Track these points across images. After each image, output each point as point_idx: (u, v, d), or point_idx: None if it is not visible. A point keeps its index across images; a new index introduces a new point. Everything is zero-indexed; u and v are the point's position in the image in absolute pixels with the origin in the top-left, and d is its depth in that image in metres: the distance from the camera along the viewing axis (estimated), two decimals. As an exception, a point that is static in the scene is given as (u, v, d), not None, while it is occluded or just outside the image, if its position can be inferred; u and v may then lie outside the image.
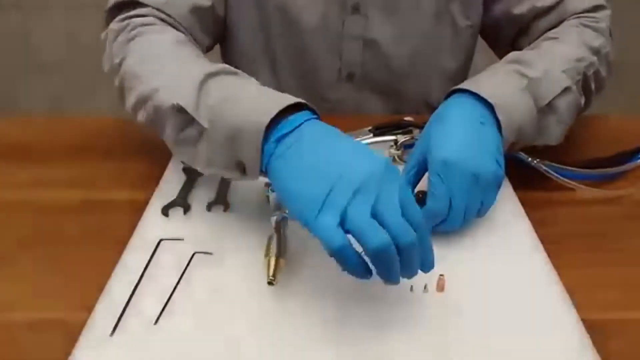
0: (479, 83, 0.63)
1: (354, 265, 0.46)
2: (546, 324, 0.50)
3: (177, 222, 0.61)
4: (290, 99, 0.53)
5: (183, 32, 0.70)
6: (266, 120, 0.50)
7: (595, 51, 0.71)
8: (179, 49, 0.65)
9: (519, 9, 0.80)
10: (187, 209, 0.62)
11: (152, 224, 0.60)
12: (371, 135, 0.68)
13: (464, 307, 0.51)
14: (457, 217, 0.57)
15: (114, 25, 0.69)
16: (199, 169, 0.57)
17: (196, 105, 0.55)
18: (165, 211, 0.62)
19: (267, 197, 0.60)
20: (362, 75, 0.84)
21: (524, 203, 0.64)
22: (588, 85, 0.70)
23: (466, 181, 0.56)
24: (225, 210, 0.62)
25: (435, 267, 0.49)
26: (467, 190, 0.56)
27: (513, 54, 0.70)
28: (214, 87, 0.56)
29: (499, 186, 0.59)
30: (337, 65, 0.83)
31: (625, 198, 0.67)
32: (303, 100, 0.54)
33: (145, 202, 0.63)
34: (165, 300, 0.51)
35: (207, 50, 0.81)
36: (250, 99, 0.54)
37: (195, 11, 0.73)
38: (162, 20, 0.70)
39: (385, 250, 0.45)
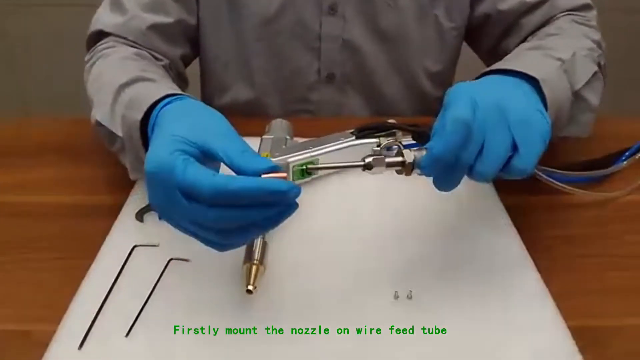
0: (513, 62, 0.58)
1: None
2: (533, 332, 0.48)
3: (151, 228, 0.58)
4: (162, 93, 0.54)
5: (141, 49, 0.73)
6: (140, 115, 0.53)
7: (598, 44, 0.69)
8: (121, 64, 0.67)
9: (506, 4, 0.78)
10: (162, 213, 0.60)
11: (126, 230, 0.58)
12: (353, 137, 0.66)
13: (448, 316, 0.49)
14: (473, 150, 0.45)
15: (86, 57, 0.74)
16: (131, 177, 0.60)
17: (111, 117, 0.59)
18: (139, 216, 0.59)
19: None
20: (342, 76, 0.83)
21: (508, 207, 0.62)
22: (602, 75, 0.67)
23: (489, 112, 0.46)
24: (202, 215, 0.60)
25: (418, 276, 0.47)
26: (488, 121, 0.46)
27: (530, 43, 0.67)
28: (123, 97, 0.59)
29: (542, 135, 0.48)
30: (315, 65, 0.82)
31: (612, 200, 0.66)
32: (175, 92, 0.55)
33: (121, 207, 0.61)
34: (138, 311, 0.49)
35: (188, 59, 0.83)
36: (143, 100, 0.55)
37: (155, 28, 0.75)
38: (122, 43, 0.73)
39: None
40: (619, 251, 0.59)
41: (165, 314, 0.49)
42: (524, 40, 0.75)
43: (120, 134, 0.57)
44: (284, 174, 0.42)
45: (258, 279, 0.49)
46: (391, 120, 0.71)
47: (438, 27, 0.81)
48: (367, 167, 0.48)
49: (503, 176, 0.49)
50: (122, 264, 0.53)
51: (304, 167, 0.63)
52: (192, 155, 0.43)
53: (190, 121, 0.47)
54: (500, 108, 0.47)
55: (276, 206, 0.42)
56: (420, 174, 0.48)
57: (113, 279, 0.52)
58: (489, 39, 0.83)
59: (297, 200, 0.43)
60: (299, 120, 0.73)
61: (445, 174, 0.47)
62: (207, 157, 0.44)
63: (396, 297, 0.50)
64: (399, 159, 0.48)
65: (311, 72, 0.82)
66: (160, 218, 0.46)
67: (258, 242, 0.51)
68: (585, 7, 0.77)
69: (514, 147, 0.47)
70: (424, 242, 0.57)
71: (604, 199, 0.66)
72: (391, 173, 0.49)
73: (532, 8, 0.77)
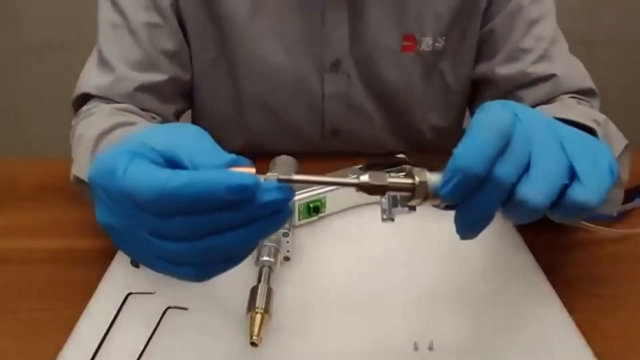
0: (551, 111, 0.51)
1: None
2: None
3: (147, 274, 0.52)
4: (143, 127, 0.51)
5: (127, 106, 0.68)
6: None
7: None
8: (102, 118, 0.62)
9: (505, 69, 0.73)
10: (159, 258, 0.56)
11: (120, 276, 0.54)
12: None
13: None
14: (514, 164, 0.35)
15: (72, 121, 0.69)
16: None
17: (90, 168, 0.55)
18: (134, 261, 0.55)
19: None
20: (348, 132, 0.79)
21: (531, 247, 0.59)
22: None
23: (535, 127, 0.36)
24: (202, 258, 0.56)
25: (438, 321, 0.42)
26: (534, 135, 0.36)
27: (557, 102, 0.63)
28: (101, 145, 0.55)
29: (609, 162, 0.37)
30: (319, 122, 0.79)
31: (634, 237, 0.62)
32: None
33: (115, 252, 0.57)
34: (133, 365, 0.45)
35: (181, 112, 0.80)
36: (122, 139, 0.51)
37: (145, 88, 0.69)
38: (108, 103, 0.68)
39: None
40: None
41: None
42: None
43: None
44: (252, 169, 0.33)
45: (263, 329, 0.45)
46: (400, 155, 0.68)
47: (443, 83, 0.78)
48: (363, 187, 0.36)
49: (554, 214, 0.37)
50: (115, 313, 0.50)
51: (310, 204, 0.60)
52: (152, 161, 0.34)
53: (158, 131, 0.37)
54: (550, 127, 0.37)
55: (246, 208, 0.32)
56: (436, 206, 0.37)
57: (105, 331, 0.48)
58: (480, 103, 0.79)
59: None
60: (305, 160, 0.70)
61: (474, 200, 0.35)
62: (174, 166, 0.35)
63: (416, 348, 0.46)
64: (408, 180, 0.36)
65: (315, 127, 0.79)
66: (114, 244, 0.36)
67: (262, 289, 0.48)
68: (591, 93, 0.71)
69: (571, 177, 0.36)
70: (444, 288, 0.53)
71: (625, 235, 0.63)
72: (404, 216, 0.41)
73: (534, 82, 0.71)
